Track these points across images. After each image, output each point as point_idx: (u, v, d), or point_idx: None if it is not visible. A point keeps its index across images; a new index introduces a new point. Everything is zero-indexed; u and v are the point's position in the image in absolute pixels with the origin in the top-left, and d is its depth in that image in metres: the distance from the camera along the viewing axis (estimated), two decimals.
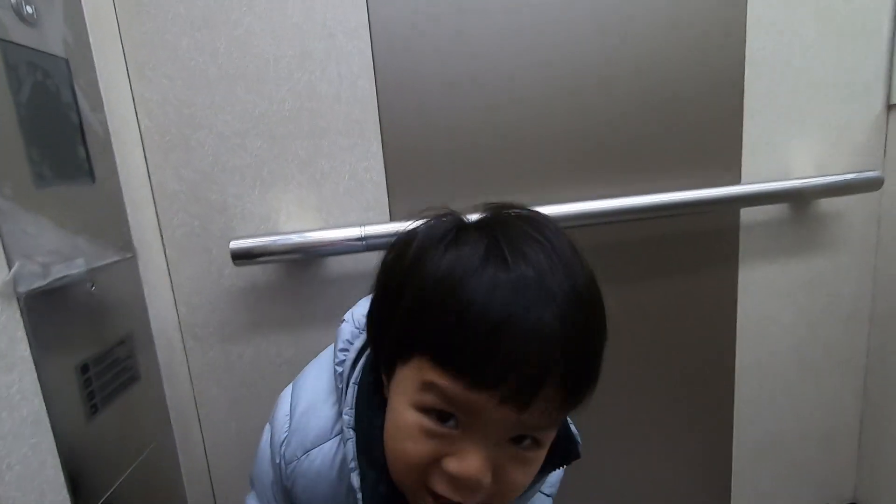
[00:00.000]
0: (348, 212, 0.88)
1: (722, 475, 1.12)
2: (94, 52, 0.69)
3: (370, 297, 0.48)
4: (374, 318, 0.47)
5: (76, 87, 0.64)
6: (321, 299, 0.89)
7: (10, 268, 0.52)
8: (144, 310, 0.77)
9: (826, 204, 1.04)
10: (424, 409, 0.39)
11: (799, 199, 1.01)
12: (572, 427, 0.51)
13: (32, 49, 0.58)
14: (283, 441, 0.52)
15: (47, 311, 0.57)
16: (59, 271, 0.58)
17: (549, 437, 0.42)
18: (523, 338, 0.35)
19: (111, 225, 0.70)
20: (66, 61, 0.63)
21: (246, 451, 0.91)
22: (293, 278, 0.88)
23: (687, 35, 0.93)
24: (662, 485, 1.10)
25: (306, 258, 0.85)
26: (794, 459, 1.14)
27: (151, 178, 0.81)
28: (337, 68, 0.83)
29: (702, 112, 0.96)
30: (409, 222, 0.46)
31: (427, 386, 0.38)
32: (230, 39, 0.80)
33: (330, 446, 0.50)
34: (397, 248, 0.45)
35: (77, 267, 0.61)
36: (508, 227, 0.41)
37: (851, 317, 1.09)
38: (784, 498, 1.15)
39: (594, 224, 0.88)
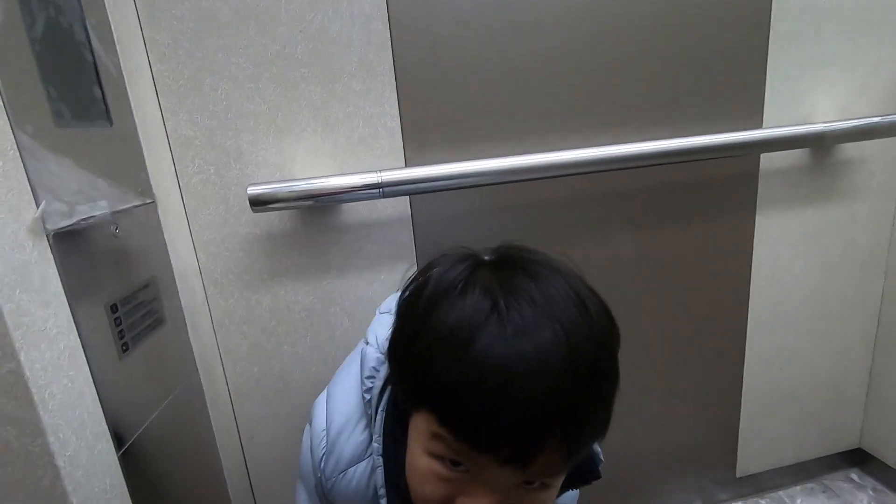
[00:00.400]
0: (363, 159, 0.87)
1: (730, 421, 1.15)
2: None
3: (393, 300, 0.48)
4: (393, 357, 0.48)
5: (88, 26, 0.63)
6: (337, 247, 0.89)
7: (37, 205, 0.52)
8: (166, 255, 0.78)
9: (848, 150, 1.02)
10: (436, 456, 0.42)
11: (820, 144, 0.99)
12: (596, 446, 0.51)
13: None
14: (322, 458, 0.55)
15: (75, 250, 0.57)
16: (83, 212, 0.58)
17: (559, 480, 0.43)
18: (519, 409, 0.36)
19: (130, 169, 0.70)
20: None
21: (267, 393, 0.94)
22: (309, 226, 0.88)
23: None
24: (671, 431, 1.13)
25: (324, 205, 0.85)
26: (802, 406, 1.17)
27: (166, 123, 0.80)
28: (349, 8, 0.81)
29: (725, 54, 0.93)
30: (427, 263, 0.46)
31: (436, 436, 0.41)
32: None
33: (364, 466, 0.54)
34: (413, 291, 0.46)
35: (101, 209, 0.61)
36: (514, 288, 0.40)
37: (866, 265, 1.09)
38: (790, 444, 1.19)
39: (611, 170, 0.88)
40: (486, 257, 0.46)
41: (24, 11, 0.53)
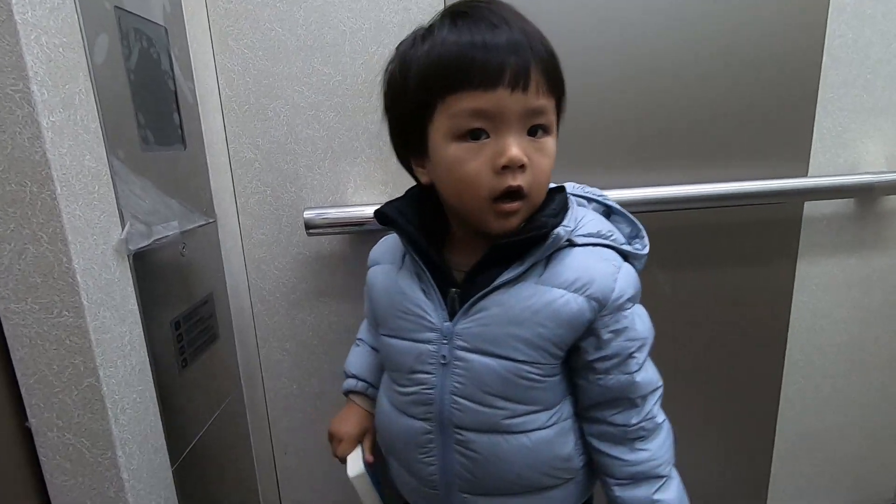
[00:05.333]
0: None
1: (762, 467, 1.13)
2: (185, 21, 0.71)
3: None
4: (394, 115, 0.56)
5: (172, 56, 0.67)
6: None
7: (122, 227, 0.55)
8: (222, 273, 0.80)
9: (893, 200, 1.01)
10: (461, 137, 0.49)
11: (868, 195, 0.98)
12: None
13: (139, 16, 0.60)
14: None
15: (149, 269, 0.60)
16: (159, 232, 0.61)
17: (552, 122, 0.52)
18: (506, 46, 0.47)
19: (198, 190, 0.73)
20: (165, 29, 0.65)
21: (304, 409, 0.96)
22: (356, 249, 0.90)
23: (766, 19, 0.90)
24: (701, 474, 1.11)
25: (374, 231, 0.88)
26: (836, 456, 1.14)
27: (229, 146, 0.83)
28: None
29: (775, 100, 0.94)
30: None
31: (458, 115, 0.48)
32: (309, 10, 0.81)
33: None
34: (388, 69, 0.56)
35: (173, 228, 0.64)
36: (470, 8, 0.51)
37: None
38: (823, 494, 1.16)
39: (656, 211, 0.88)
40: None
41: (123, 44, 0.56)
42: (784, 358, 1.07)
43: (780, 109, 0.95)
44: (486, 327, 0.53)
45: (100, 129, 0.52)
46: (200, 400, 0.72)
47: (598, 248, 0.56)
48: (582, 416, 0.59)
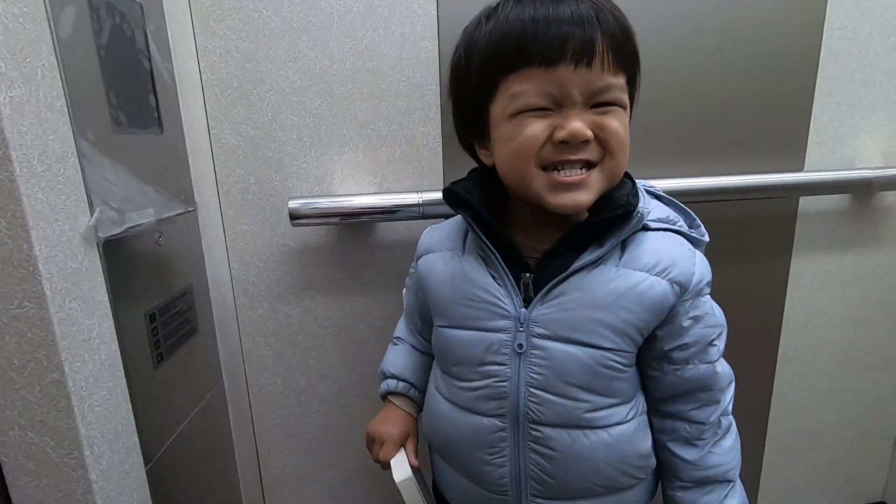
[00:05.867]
0: (403, 177, 0.86)
1: (753, 464, 1.12)
2: None
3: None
4: (457, 98, 0.55)
5: (148, 34, 0.63)
6: (371, 264, 0.88)
7: (91, 213, 0.52)
8: (202, 264, 0.77)
9: (890, 196, 1.00)
10: (522, 112, 0.47)
11: (863, 190, 0.97)
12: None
13: None
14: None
15: (121, 258, 0.57)
16: (132, 219, 0.58)
17: (622, 100, 0.49)
18: (570, 19, 0.45)
19: (176, 177, 0.70)
20: (141, 6, 0.62)
21: (289, 406, 0.93)
22: (344, 241, 0.87)
23: (764, 10, 0.88)
24: None
25: (362, 222, 0.85)
26: (828, 454, 1.14)
27: (211, 131, 0.80)
28: (400, 28, 0.81)
29: (772, 93, 0.92)
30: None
31: (519, 95, 0.47)
32: None
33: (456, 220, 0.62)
34: (455, 52, 0.55)
35: (148, 216, 0.61)
36: None
37: None
38: (813, 492, 1.16)
39: None
40: None
41: (93, 18, 0.53)
42: (777, 355, 1.06)
43: (777, 103, 0.93)
44: (568, 312, 0.50)
45: (66, 108, 0.48)
46: (178, 396, 0.68)
47: (669, 232, 0.53)
48: (653, 410, 0.56)
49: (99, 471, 0.52)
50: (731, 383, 0.56)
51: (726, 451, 0.54)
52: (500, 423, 0.52)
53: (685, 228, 0.55)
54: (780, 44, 0.90)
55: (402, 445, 0.63)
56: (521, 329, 0.51)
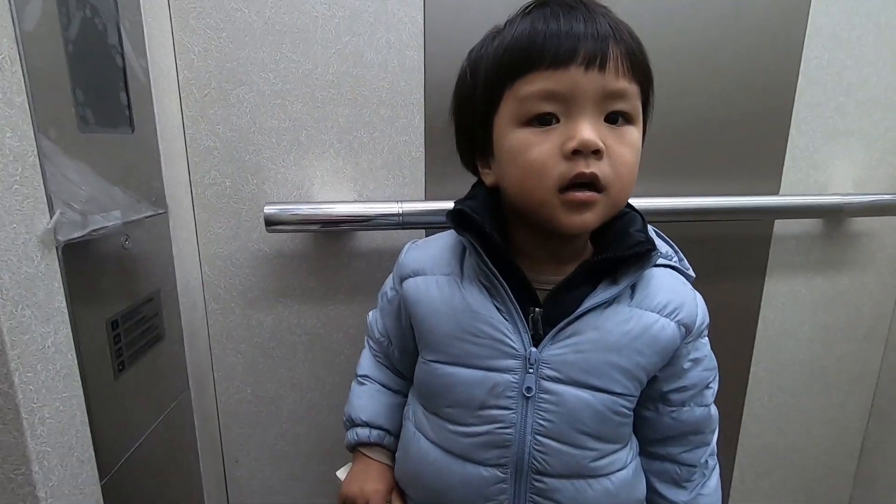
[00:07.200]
0: (383, 186, 0.85)
1: (723, 482, 1.13)
2: None
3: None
4: (460, 117, 0.53)
5: (122, 29, 0.61)
6: (348, 272, 0.87)
7: (51, 215, 0.49)
8: (172, 268, 0.74)
9: (859, 223, 1.03)
10: (528, 122, 0.45)
11: (836, 216, 1.00)
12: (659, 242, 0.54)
13: None
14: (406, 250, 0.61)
15: (82, 263, 0.54)
16: (96, 222, 0.55)
17: (635, 110, 0.46)
18: (583, 29, 0.43)
19: (146, 178, 0.67)
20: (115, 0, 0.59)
21: (258, 415, 0.90)
22: (321, 248, 0.85)
23: (744, 36, 0.90)
24: None
25: (341, 230, 0.83)
26: (795, 470, 1.16)
27: (186, 132, 0.77)
28: (386, 35, 0.80)
29: (749, 119, 0.94)
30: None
31: (525, 99, 0.44)
32: None
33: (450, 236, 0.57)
34: (460, 73, 0.53)
35: (114, 219, 0.58)
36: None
37: (869, 336, 1.10)
38: None
39: None
40: None
41: (61, 10, 0.50)
42: (749, 373, 1.08)
43: (755, 128, 0.95)
44: (582, 354, 0.46)
45: (27, 105, 0.46)
46: (140, 406, 0.66)
47: (671, 270, 0.52)
48: (644, 451, 0.54)
49: (49, 487, 0.49)
50: (717, 424, 0.55)
51: (713, 491, 0.54)
52: (500, 474, 0.48)
53: (682, 266, 0.54)
54: (760, 70, 0.91)
55: (388, 503, 0.57)
56: (531, 371, 0.47)
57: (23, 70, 0.45)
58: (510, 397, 0.47)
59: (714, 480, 0.55)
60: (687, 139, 0.93)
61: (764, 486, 1.15)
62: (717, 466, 0.56)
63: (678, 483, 0.53)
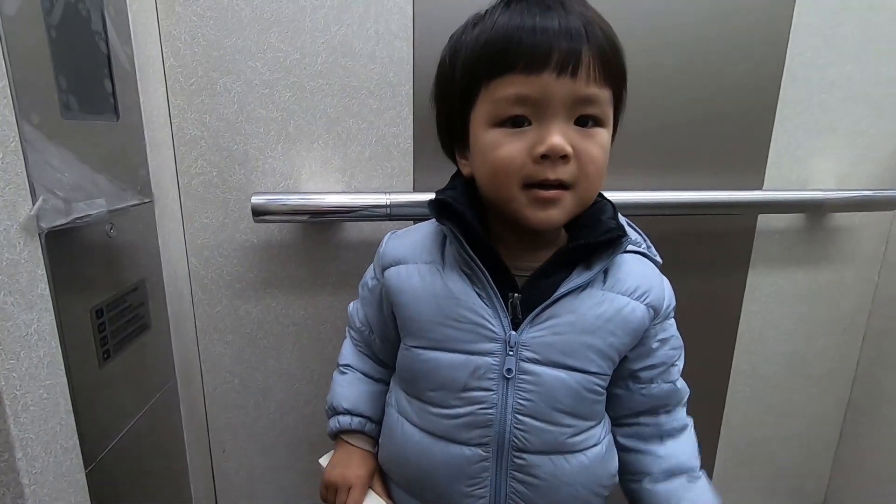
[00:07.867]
0: (372, 177, 0.85)
1: (706, 467, 1.15)
2: None
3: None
4: (440, 103, 0.55)
5: (106, 15, 0.60)
6: (336, 263, 0.87)
7: (33, 202, 0.49)
8: (158, 258, 0.74)
9: (841, 217, 1.05)
10: (500, 123, 0.47)
11: (817, 211, 1.01)
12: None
13: None
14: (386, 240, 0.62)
15: (66, 250, 0.54)
16: (80, 209, 0.55)
17: (605, 115, 0.48)
18: (557, 30, 0.44)
19: (132, 166, 0.67)
20: None
21: (245, 405, 0.91)
22: (309, 239, 0.85)
23: (730, 32, 0.90)
24: None
25: (328, 221, 0.83)
26: (775, 460, 1.18)
27: (172, 121, 0.77)
28: (375, 25, 0.80)
29: (734, 113, 0.95)
30: None
31: (499, 101, 0.46)
32: None
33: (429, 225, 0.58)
34: (441, 57, 0.54)
35: (98, 207, 0.58)
36: None
37: (848, 329, 1.12)
38: (761, 494, 1.20)
39: None
40: None
41: None
42: (731, 365, 1.10)
43: (740, 122, 0.96)
44: (559, 336, 0.49)
45: (8, 90, 0.45)
46: (125, 395, 0.66)
47: (639, 256, 0.55)
48: (617, 424, 0.58)
49: (32, 474, 0.49)
50: (687, 395, 0.59)
51: (686, 442, 0.58)
52: (482, 453, 0.50)
53: (650, 252, 0.57)
54: (745, 65, 0.92)
55: (370, 487, 0.59)
56: (511, 353, 0.49)
57: (4, 55, 0.45)
58: (491, 379, 0.49)
59: (687, 434, 0.58)
60: (672, 134, 0.94)
61: (744, 475, 1.18)
62: (692, 424, 0.60)
63: (648, 438, 0.57)
